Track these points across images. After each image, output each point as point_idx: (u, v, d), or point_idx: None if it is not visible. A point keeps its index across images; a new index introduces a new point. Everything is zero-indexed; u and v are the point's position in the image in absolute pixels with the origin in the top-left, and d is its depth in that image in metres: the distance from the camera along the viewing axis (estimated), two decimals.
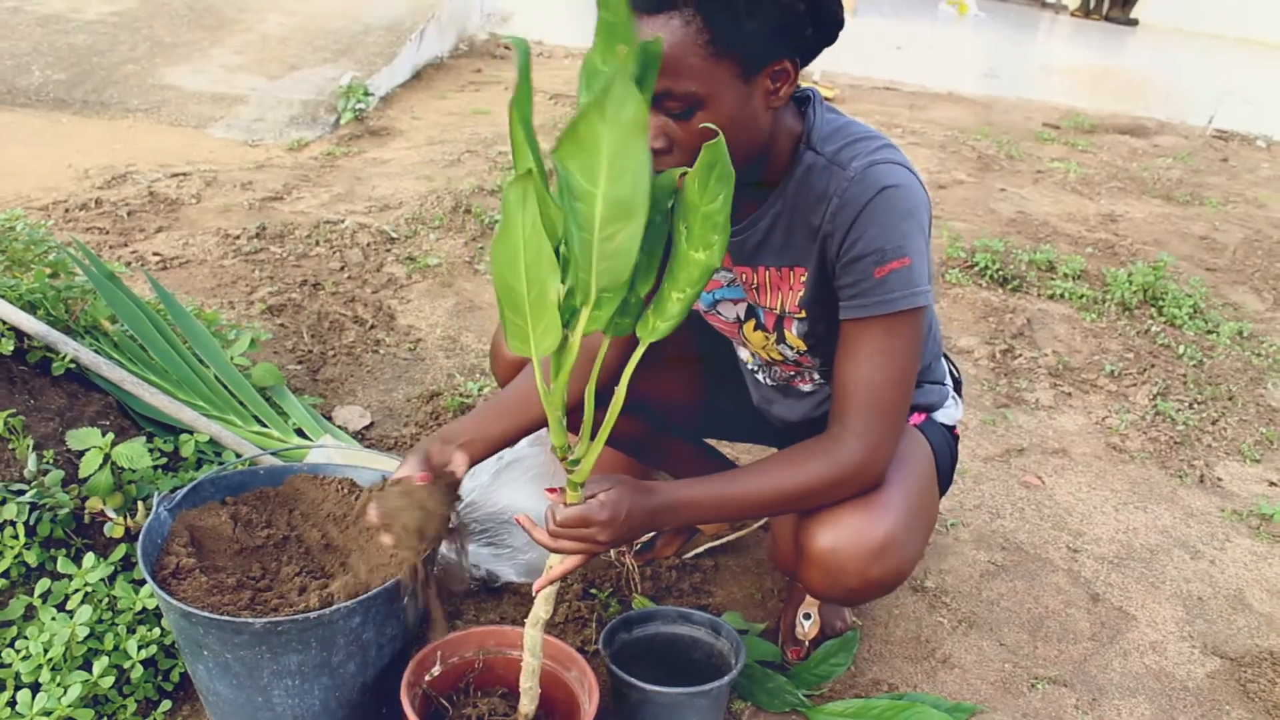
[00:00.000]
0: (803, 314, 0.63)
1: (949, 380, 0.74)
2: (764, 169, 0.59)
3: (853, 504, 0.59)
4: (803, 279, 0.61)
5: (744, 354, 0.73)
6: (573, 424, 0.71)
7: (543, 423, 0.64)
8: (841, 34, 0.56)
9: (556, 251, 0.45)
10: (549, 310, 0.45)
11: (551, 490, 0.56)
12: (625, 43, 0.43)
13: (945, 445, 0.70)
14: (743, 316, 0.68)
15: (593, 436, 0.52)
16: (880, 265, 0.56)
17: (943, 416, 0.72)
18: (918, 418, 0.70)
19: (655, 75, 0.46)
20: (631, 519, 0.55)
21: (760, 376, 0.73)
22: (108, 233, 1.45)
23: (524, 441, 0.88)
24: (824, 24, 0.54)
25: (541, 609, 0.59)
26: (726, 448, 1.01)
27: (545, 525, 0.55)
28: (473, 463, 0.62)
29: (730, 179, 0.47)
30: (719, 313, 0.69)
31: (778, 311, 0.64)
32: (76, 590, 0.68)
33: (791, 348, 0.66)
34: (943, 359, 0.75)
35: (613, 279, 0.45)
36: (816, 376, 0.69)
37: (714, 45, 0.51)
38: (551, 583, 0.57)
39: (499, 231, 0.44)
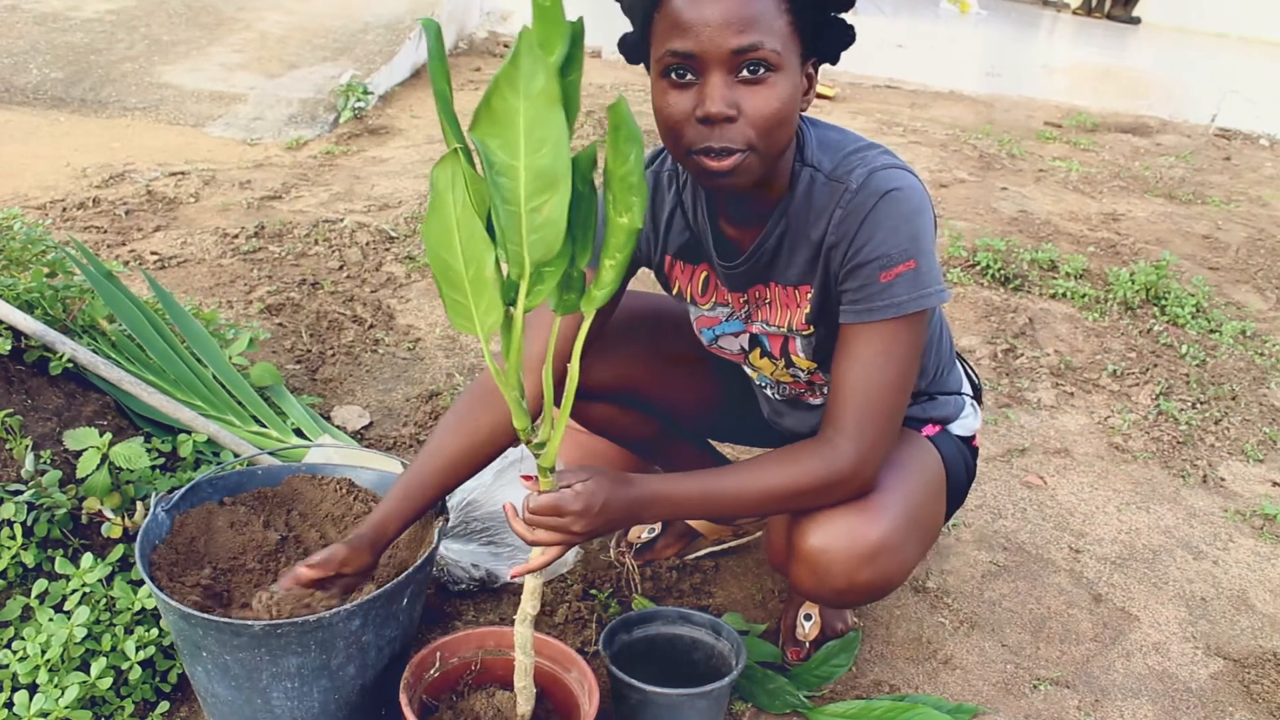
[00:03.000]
0: (809, 330, 0.62)
1: (967, 387, 0.73)
2: (766, 189, 0.58)
3: (849, 506, 0.59)
4: (808, 296, 0.61)
5: (749, 371, 0.73)
6: (595, 423, 0.72)
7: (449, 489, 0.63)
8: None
9: (489, 228, 0.45)
10: (489, 286, 0.45)
11: (527, 478, 0.55)
12: (558, 25, 0.43)
13: (960, 458, 0.69)
14: (747, 347, 0.67)
15: (554, 418, 0.51)
16: (886, 270, 0.55)
17: (959, 428, 0.71)
18: (932, 429, 0.69)
19: (581, 54, 0.46)
20: (608, 510, 0.54)
21: (770, 392, 0.72)
22: (105, 232, 1.45)
23: None
24: (835, 41, 0.55)
25: (529, 605, 0.58)
26: (727, 449, 1.00)
27: (521, 514, 0.55)
28: (378, 553, 0.62)
29: (638, 140, 0.46)
30: (722, 347, 0.69)
31: (784, 330, 0.63)
32: (74, 591, 0.68)
33: (802, 369, 0.65)
34: (958, 365, 0.74)
35: (546, 250, 0.45)
36: (826, 391, 0.68)
37: (792, 15, 0.52)
38: (530, 572, 0.56)
39: (429, 212, 0.44)
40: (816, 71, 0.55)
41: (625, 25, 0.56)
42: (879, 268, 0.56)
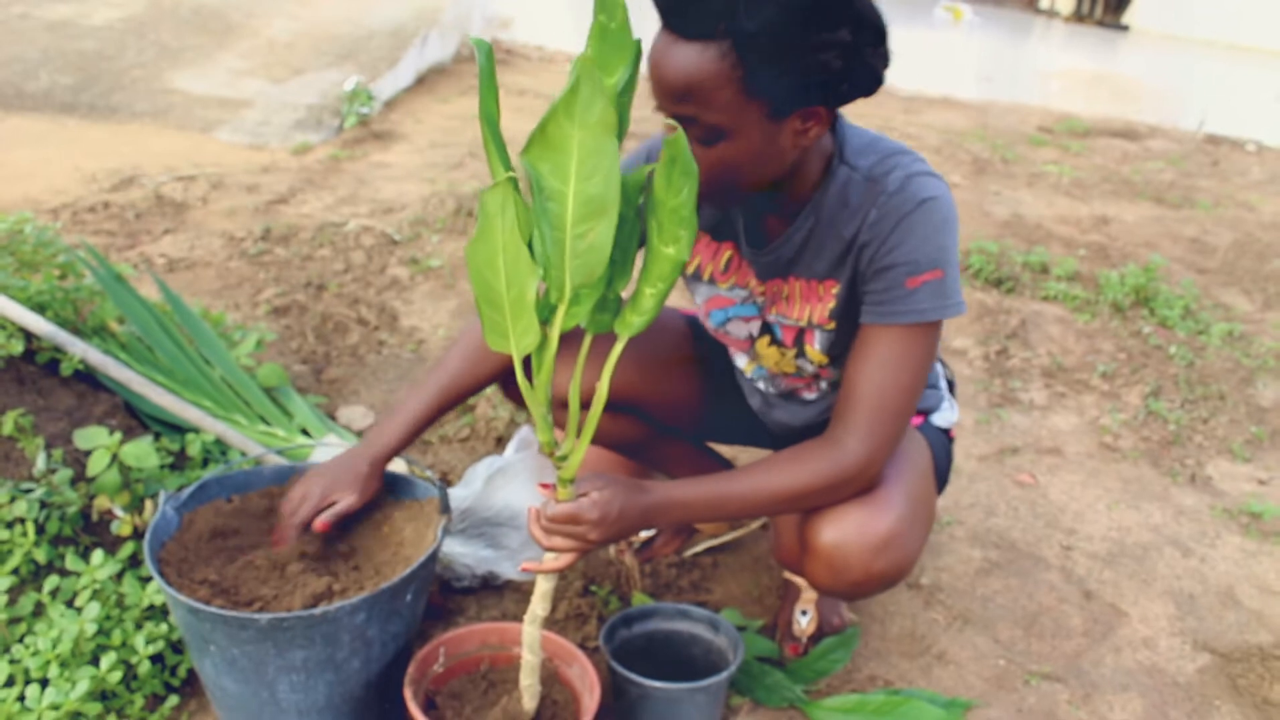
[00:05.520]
0: (831, 325, 0.63)
1: (943, 383, 0.76)
2: (793, 187, 0.59)
3: (855, 500, 0.60)
4: (834, 291, 0.61)
5: (742, 363, 0.73)
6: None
7: (444, 406, 0.65)
8: None
9: (530, 250, 0.46)
10: (528, 310, 0.46)
11: (545, 485, 0.56)
12: (622, 48, 0.44)
13: (942, 448, 0.72)
14: (755, 334, 0.67)
15: (578, 433, 0.53)
16: (913, 275, 0.56)
17: (939, 419, 0.73)
18: (916, 420, 0.71)
19: (637, 74, 0.46)
20: (624, 518, 0.55)
21: (762, 385, 0.73)
22: (115, 235, 1.47)
23: (510, 448, 0.90)
24: (862, 80, 0.53)
25: (539, 607, 0.59)
26: (724, 449, 1.02)
27: (539, 521, 0.56)
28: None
29: (693, 174, 0.47)
30: (729, 331, 0.69)
31: (803, 324, 0.64)
32: (85, 587, 0.69)
33: (812, 361, 0.66)
34: (937, 362, 0.76)
35: (587, 276, 0.46)
36: (824, 385, 0.70)
37: (745, 84, 0.50)
38: (541, 572, 0.57)
39: (476, 235, 0.45)
40: (830, 112, 0.54)
41: (650, 34, 0.56)
42: (906, 273, 0.56)
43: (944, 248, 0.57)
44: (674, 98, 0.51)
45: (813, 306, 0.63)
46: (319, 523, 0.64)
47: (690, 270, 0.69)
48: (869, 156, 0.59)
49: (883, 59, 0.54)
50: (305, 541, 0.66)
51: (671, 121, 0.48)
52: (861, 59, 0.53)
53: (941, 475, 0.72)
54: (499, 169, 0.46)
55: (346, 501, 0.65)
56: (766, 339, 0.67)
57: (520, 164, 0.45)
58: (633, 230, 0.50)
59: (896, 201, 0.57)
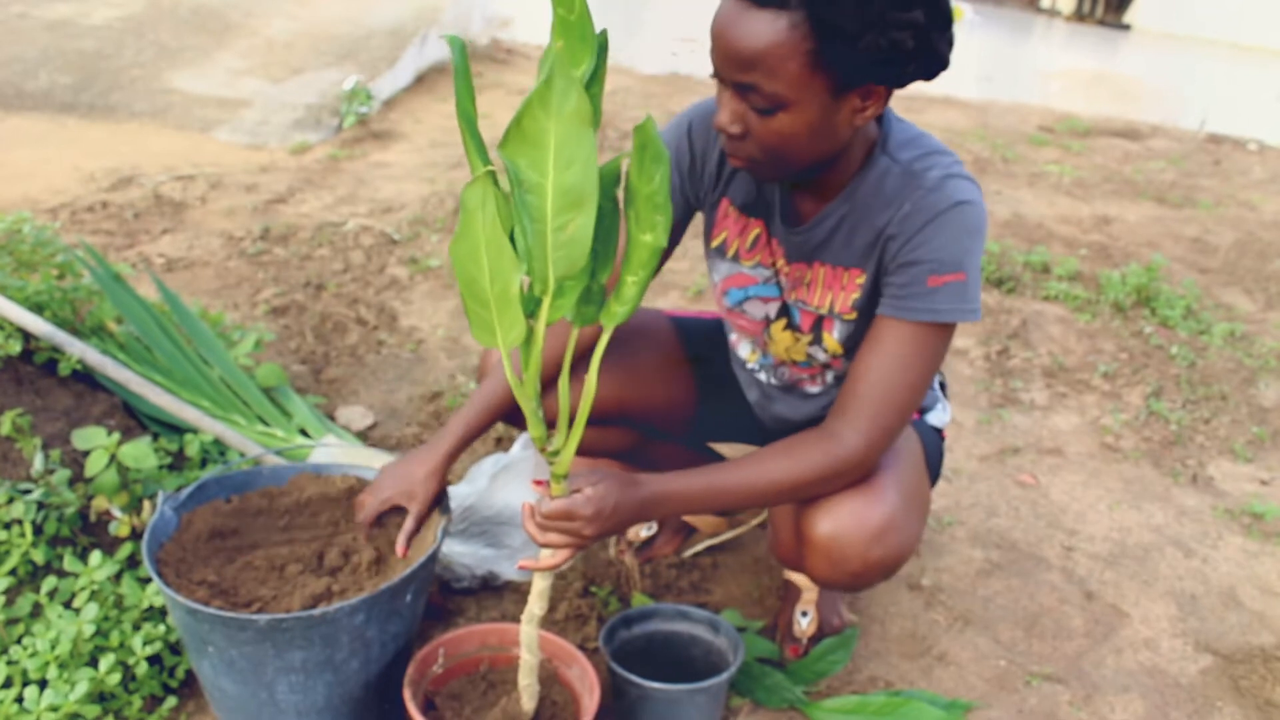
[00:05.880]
0: (853, 315, 0.62)
1: (935, 384, 0.76)
2: (835, 170, 0.59)
3: (851, 491, 0.60)
4: (858, 281, 0.61)
5: (745, 352, 0.73)
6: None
7: (494, 418, 0.66)
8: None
9: (513, 245, 0.46)
10: (513, 304, 0.46)
11: (539, 483, 0.56)
12: (585, 39, 0.44)
13: (934, 446, 0.72)
14: (772, 316, 0.66)
15: (569, 427, 0.53)
16: (936, 275, 0.56)
17: (933, 419, 0.73)
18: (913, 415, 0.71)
19: (604, 66, 0.46)
20: (618, 512, 0.55)
21: (763, 376, 0.72)
22: (114, 235, 1.47)
23: (517, 445, 0.89)
24: (928, 62, 0.53)
25: (536, 606, 0.59)
26: (722, 448, 1.01)
27: (533, 517, 0.56)
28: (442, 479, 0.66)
29: (664, 159, 0.47)
30: (745, 311, 0.68)
31: (823, 312, 0.63)
32: (83, 588, 0.69)
33: (826, 350, 0.65)
34: None
35: (569, 267, 0.46)
36: (829, 378, 0.69)
37: (814, 57, 0.50)
38: (538, 570, 0.57)
39: (459, 230, 0.45)
40: (889, 91, 0.53)
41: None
42: (929, 270, 0.56)
43: (970, 251, 0.57)
44: (739, 66, 0.51)
45: (835, 295, 0.62)
46: (400, 548, 0.66)
47: (714, 244, 0.67)
48: (911, 150, 0.58)
49: (949, 43, 0.53)
50: (374, 538, 0.68)
51: (651, 117, 0.47)
52: (930, 41, 0.52)
53: (933, 472, 0.72)
54: (478, 165, 0.45)
55: (414, 515, 0.66)
56: (783, 322, 0.66)
57: (499, 158, 0.45)
58: (613, 222, 0.50)
59: (932, 199, 0.56)
